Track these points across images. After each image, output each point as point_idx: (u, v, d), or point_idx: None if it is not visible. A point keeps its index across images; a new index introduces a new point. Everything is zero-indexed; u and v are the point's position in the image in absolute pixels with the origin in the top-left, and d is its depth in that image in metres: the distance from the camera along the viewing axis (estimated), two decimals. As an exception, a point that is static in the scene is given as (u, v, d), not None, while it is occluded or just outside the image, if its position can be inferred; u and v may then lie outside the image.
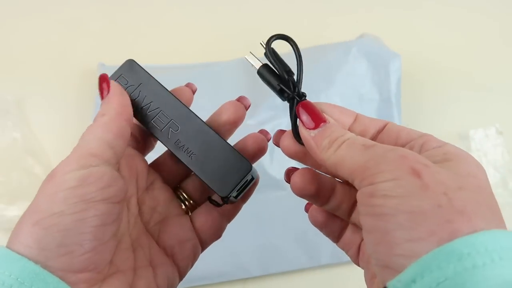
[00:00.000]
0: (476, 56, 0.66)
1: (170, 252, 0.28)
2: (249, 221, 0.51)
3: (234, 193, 0.27)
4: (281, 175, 0.53)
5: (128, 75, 0.28)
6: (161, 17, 0.70)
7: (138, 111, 0.28)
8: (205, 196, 0.30)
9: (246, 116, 0.55)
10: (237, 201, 0.29)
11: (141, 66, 0.28)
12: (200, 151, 0.27)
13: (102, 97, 0.26)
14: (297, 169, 0.26)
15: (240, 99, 0.30)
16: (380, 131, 0.25)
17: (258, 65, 0.27)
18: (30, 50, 0.64)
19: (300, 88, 0.26)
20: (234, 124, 0.29)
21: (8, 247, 0.22)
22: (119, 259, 0.25)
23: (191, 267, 0.29)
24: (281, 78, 0.26)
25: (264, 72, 0.27)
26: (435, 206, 0.18)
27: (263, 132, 0.30)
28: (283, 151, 0.26)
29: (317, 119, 0.24)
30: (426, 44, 0.68)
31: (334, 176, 0.26)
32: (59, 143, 0.57)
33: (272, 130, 0.56)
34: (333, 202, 0.26)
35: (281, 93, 0.26)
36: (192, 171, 0.28)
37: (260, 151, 0.29)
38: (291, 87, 0.26)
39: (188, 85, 0.30)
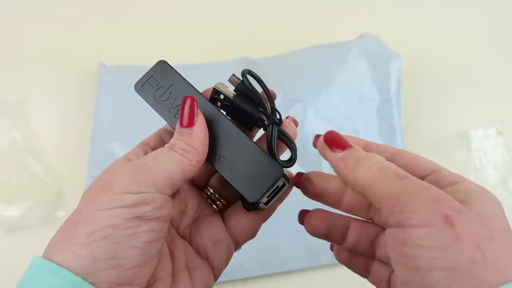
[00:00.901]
0: (476, 56, 0.66)
1: (204, 254, 0.28)
2: (249, 221, 0.51)
3: (264, 199, 0.27)
4: (281, 175, 0.53)
5: (159, 76, 0.28)
6: (161, 17, 0.70)
7: (168, 112, 0.27)
8: (235, 194, 0.29)
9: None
10: (267, 207, 0.28)
11: (172, 68, 0.28)
12: (230, 155, 0.26)
13: (181, 122, 0.25)
14: (309, 211, 0.28)
15: (290, 118, 0.29)
16: (390, 160, 0.25)
17: (230, 95, 0.27)
18: (30, 50, 0.64)
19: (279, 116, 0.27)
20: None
21: (47, 257, 0.21)
22: (158, 267, 0.25)
23: (226, 267, 0.29)
24: (260, 105, 0.27)
25: (240, 101, 0.27)
26: (470, 262, 0.19)
27: (290, 118, 0.29)
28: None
29: (343, 144, 0.25)
30: (426, 44, 0.68)
31: (361, 194, 0.26)
32: (59, 143, 0.57)
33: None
34: (351, 239, 0.28)
35: (257, 120, 0.27)
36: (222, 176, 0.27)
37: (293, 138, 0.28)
38: (270, 112, 0.27)
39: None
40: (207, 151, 0.26)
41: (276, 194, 0.28)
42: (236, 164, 0.26)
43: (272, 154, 0.26)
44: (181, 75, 0.28)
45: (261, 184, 0.25)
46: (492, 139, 0.55)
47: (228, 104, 0.27)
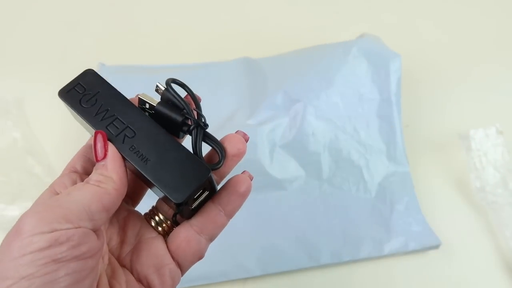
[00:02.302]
0: (477, 56, 0.66)
1: (146, 283, 0.26)
2: (249, 221, 0.51)
3: (190, 204, 0.26)
4: (281, 175, 0.53)
5: (86, 84, 0.27)
6: (161, 17, 0.70)
7: (92, 117, 0.26)
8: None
9: (246, 116, 0.56)
10: (193, 214, 0.27)
11: (100, 76, 0.28)
12: (156, 157, 0.25)
13: (96, 158, 0.25)
14: None
15: (240, 133, 0.28)
16: None
17: (154, 102, 0.27)
18: (30, 50, 0.64)
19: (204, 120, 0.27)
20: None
21: None
22: None
23: None
24: (184, 110, 0.26)
25: (164, 108, 0.27)
26: None
27: (240, 133, 0.28)
28: None
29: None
30: (426, 44, 0.68)
31: None
32: (59, 143, 0.57)
33: (272, 130, 0.56)
34: None
35: (181, 125, 0.27)
36: (149, 180, 0.26)
37: (239, 153, 0.27)
38: (194, 117, 0.27)
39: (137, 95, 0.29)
40: (125, 178, 0.25)
41: (203, 202, 0.27)
42: (162, 166, 0.25)
43: (197, 155, 0.26)
44: (108, 83, 0.27)
45: (187, 184, 0.24)
46: (492, 139, 0.54)
47: (153, 113, 0.27)
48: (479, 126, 0.55)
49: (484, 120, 0.57)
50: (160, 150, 0.25)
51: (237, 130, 0.28)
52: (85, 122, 0.27)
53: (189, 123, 0.26)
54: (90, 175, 0.24)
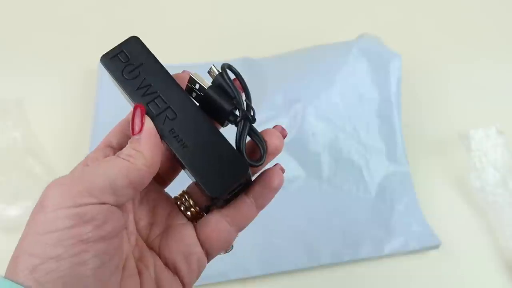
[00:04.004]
0: (477, 56, 0.66)
1: (174, 268, 0.26)
2: (249, 221, 0.51)
3: (226, 196, 0.25)
4: (281, 175, 0.53)
5: (130, 53, 0.26)
6: (161, 17, 0.70)
7: (133, 91, 0.25)
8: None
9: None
10: (225, 204, 0.26)
11: (145, 46, 0.26)
12: (195, 145, 0.24)
13: (132, 131, 0.24)
14: None
15: (278, 128, 0.28)
16: None
17: (205, 85, 0.26)
18: (30, 50, 0.64)
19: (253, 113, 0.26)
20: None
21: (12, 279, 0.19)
22: None
23: (196, 281, 0.27)
24: (235, 99, 0.26)
25: (214, 93, 0.26)
26: None
27: (278, 128, 0.27)
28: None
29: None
30: (426, 44, 0.68)
31: None
32: (59, 143, 0.57)
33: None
34: None
35: (229, 114, 0.26)
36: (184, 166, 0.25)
37: (276, 150, 0.27)
38: (245, 108, 0.26)
39: (184, 72, 0.28)
40: (157, 156, 0.24)
41: (238, 193, 0.26)
42: (200, 155, 0.24)
43: (239, 150, 0.25)
44: (153, 55, 0.26)
45: (224, 179, 0.24)
46: (492, 139, 0.54)
47: (202, 95, 0.26)
48: (479, 126, 0.55)
49: (484, 120, 0.57)
50: (200, 138, 0.24)
51: (275, 124, 0.27)
52: (125, 94, 0.26)
53: (238, 113, 0.26)
54: (123, 149, 0.24)
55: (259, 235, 0.50)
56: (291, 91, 0.56)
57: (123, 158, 0.23)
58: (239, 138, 0.25)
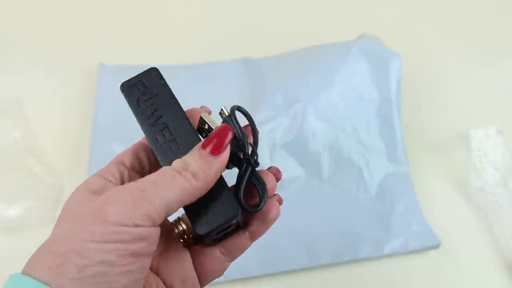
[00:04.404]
0: (477, 56, 0.66)
1: None
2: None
3: (213, 235, 0.25)
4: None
5: (147, 82, 0.27)
6: (161, 17, 0.70)
7: (144, 120, 0.26)
8: None
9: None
10: (213, 245, 0.27)
11: (162, 77, 0.27)
12: None
13: (211, 147, 0.24)
14: None
15: (273, 170, 0.28)
16: None
17: (214, 126, 0.26)
18: (30, 50, 0.64)
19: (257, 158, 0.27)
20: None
21: (37, 278, 0.20)
22: None
23: None
24: (240, 142, 0.26)
25: None
26: None
27: (273, 170, 0.27)
28: None
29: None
30: (426, 44, 0.68)
31: None
32: (59, 143, 0.57)
33: (272, 130, 0.56)
34: None
35: (233, 157, 0.26)
36: None
37: (269, 193, 0.26)
38: (249, 152, 0.26)
39: (203, 107, 0.28)
40: (213, 183, 0.24)
41: (228, 235, 0.26)
42: None
43: (236, 193, 0.25)
44: (169, 87, 0.27)
45: (213, 219, 0.24)
46: (492, 139, 0.54)
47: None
48: (479, 126, 0.55)
49: (484, 120, 0.57)
50: None
51: (270, 166, 0.28)
52: (137, 120, 0.27)
53: (241, 156, 0.26)
54: (188, 159, 0.24)
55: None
56: (290, 91, 0.56)
57: (184, 178, 0.23)
58: (239, 182, 0.26)
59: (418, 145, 0.58)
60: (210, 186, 0.24)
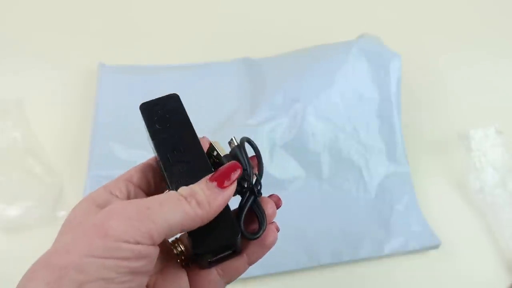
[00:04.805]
0: (476, 56, 0.66)
1: None
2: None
3: (209, 257, 0.26)
4: (281, 175, 0.53)
5: (166, 106, 0.29)
6: (161, 17, 0.70)
7: (160, 141, 0.27)
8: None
9: (246, 116, 0.56)
10: (209, 267, 0.27)
11: (182, 104, 0.29)
12: None
13: (219, 180, 0.24)
14: None
15: (274, 198, 0.28)
16: None
17: (222, 153, 0.28)
18: (30, 50, 0.64)
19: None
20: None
21: None
22: None
23: None
24: (244, 172, 0.27)
25: (227, 161, 0.27)
26: None
27: (274, 198, 0.28)
28: None
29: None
30: (426, 44, 0.68)
31: None
32: (59, 143, 0.57)
33: (272, 130, 0.56)
34: None
35: (238, 184, 0.27)
36: None
37: (268, 220, 0.27)
38: (252, 181, 0.27)
39: (204, 138, 0.29)
40: (215, 216, 0.25)
41: (224, 259, 0.27)
42: None
43: (238, 219, 0.26)
44: (186, 113, 0.29)
45: (211, 241, 0.25)
46: (491, 139, 0.54)
47: (218, 162, 0.28)
48: (479, 126, 0.55)
49: (484, 120, 0.57)
50: None
51: (271, 194, 0.28)
52: (151, 141, 0.28)
53: (245, 185, 0.27)
54: (196, 188, 0.24)
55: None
56: (291, 91, 0.56)
57: (189, 204, 0.23)
58: (241, 209, 0.27)
59: (418, 145, 0.58)
60: (212, 217, 0.24)
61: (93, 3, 0.70)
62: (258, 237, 0.27)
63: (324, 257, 0.50)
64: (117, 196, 0.26)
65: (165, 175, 0.27)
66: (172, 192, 0.24)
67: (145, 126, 0.28)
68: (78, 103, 0.60)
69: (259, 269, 0.49)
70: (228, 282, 0.28)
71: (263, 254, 0.28)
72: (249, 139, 0.28)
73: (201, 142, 0.28)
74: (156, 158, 0.28)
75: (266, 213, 0.27)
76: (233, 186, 0.25)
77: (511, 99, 0.63)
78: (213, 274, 0.27)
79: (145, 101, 0.29)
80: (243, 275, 0.51)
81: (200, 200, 0.24)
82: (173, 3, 0.71)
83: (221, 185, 0.24)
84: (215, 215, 0.24)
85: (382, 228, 0.51)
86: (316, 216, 0.52)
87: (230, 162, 0.26)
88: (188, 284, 0.27)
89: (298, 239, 0.50)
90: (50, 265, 0.20)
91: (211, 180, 0.25)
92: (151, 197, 0.23)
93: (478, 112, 0.61)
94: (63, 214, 0.52)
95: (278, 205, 0.28)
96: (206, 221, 0.24)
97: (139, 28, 0.68)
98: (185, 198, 0.23)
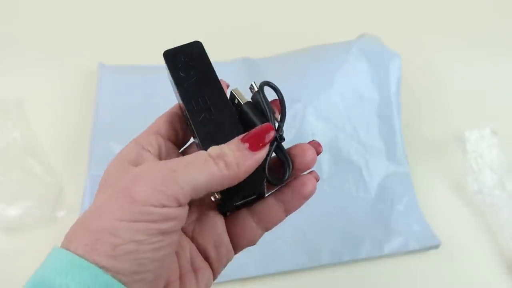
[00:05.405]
0: (476, 56, 0.66)
1: (205, 255, 0.27)
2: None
3: (236, 201, 0.27)
4: (281, 175, 0.53)
5: (190, 54, 0.28)
6: (161, 17, 0.70)
7: (182, 87, 0.27)
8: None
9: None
10: (234, 210, 0.28)
11: (205, 51, 0.29)
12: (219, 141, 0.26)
13: (250, 142, 0.24)
14: None
15: (314, 144, 0.28)
16: None
17: (242, 100, 0.28)
18: (30, 50, 0.64)
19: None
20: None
21: (75, 252, 0.21)
22: (169, 271, 0.25)
23: (223, 269, 0.28)
24: (267, 119, 0.27)
25: (249, 108, 0.27)
26: None
27: (314, 144, 0.27)
28: None
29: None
30: (426, 44, 0.68)
31: None
32: (59, 143, 0.57)
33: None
34: None
35: None
36: None
37: (307, 167, 0.27)
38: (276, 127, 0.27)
39: (222, 81, 0.29)
40: (245, 177, 0.24)
41: (249, 203, 0.27)
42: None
43: (262, 166, 0.26)
44: (210, 62, 0.29)
45: (238, 189, 0.25)
46: (487, 140, 0.54)
47: (239, 109, 0.28)
48: (480, 126, 0.55)
49: (484, 120, 0.57)
50: (226, 137, 0.26)
51: (311, 140, 0.28)
52: (176, 92, 0.28)
53: None
54: (226, 149, 0.24)
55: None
56: (290, 91, 0.56)
57: (217, 165, 0.23)
58: (267, 159, 0.26)
59: (418, 145, 0.58)
60: (240, 179, 0.24)
61: (93, 3, 0.70)
62: (283, 183, 0.27)
63: (324, 257, 0.50)
64: (148, 151, 0.26)
65: (191, 123, 0.26)
66: (201, 152, 0.24)
67: (169, 74, 0.28)
68: (78, 103, 0.60)
69: (259, 269, 0.49)
70: (265, 230, 0.28)
71: (300, 204, 0.28)
72: (270, 82, 0.28)
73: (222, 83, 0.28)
74: (180, 105, 0.28)
75: (304, 161, 0.26)
76: (265, 149, 0.24)
77: (505, 99, 0.63)
78: (249, 222, 0.27)
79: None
80: (243, 275, 0.51)
81: (229, 162, 0.23)
82: (173, 3, 0.71)
83: (252, 148, 0.24)
84: (245, 177, 0.24)
85: (382, 228, 0.51)
86: (316, 216, 0.52)
87: (263, 124, 0.25)
88: (226, 231, 0.27)
89: (298, 239, 0.50)
90: (87, 228, 0.21)
91: (243, 141, 0.24)
92: (178, 159, 0.23)
93: (478, 112, 0.61)
94: (63, 214, 0.52)
95: (318, 151, 0.27)
96: (234, 183, 0.24)
97: (139, 28, 0.68)
98: (213, 159, 0.23)
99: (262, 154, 0.24)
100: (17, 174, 0.53)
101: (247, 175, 0.24)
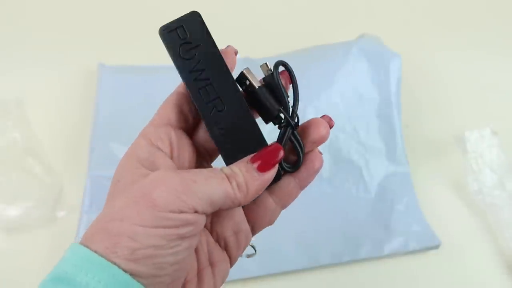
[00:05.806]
0: (476, 56, 0.66)
1: (224, 244, 0.28)
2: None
3: None
4: (281, 175, 0.53)
5: (189, 30, 0.26)
6: (161, 17, 0.70)
7: (186, 73, 0.25)
8: None
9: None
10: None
11: (205, 25, 0.26)
12: (234, 141, 0.25)
13: (261, 165, 0.24)
14: None
15: (326, 118, 0.28)
16: None
17: (256, 84, 0.26)
18: (30, 50, 0.64)
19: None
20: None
21: (95, 251, 0.21)
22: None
23: (240, 255, 0.29)
24: (282, 104, 0.26)
25: (263, 92, 0.26)
26: None
27: (326, 118, 0.27)
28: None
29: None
30: (426, 44, 0.68)
31: None
32: (59, 143, 0.57)
33: (272, 130, 0.56)
34: None
35: (274, 118, 0.26)
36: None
37: (321, 140, 0.27)
38: (290, 114, 0.26)
39: (229, 47, 0.28)
40: (253, 199, 0.25)
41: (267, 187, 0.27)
42: (237, 151, 0.25)
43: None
44: (212, 37, 0.26)
45: None
46: (487, 140, 0.54)
47: (251, 92, 0.26)
48: (481, 127, 0.55)
49: (485, 120, 0.57)
50: (241, 136, 0.25)
51: (323, 115, 0.28)
52: (178, 72, 0.26)
53: (282, 117, 0.26)
54: (235, 169, 0.24)
55: (259, 235, 0.50)
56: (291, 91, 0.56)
57: (231, 185, 0.24)
58: (279, 142, 0.26)
59: (418, 145, 0.58)
60: (249, 200, 0.24)
61: (93, 3, 0.70)
62: (295, 170, 0.27)
63: (324, 258, 0.50)
64: (160, 150, 0.25)
65: (201, 115, 0.25)
66: (217, 169, 0.24)
67: (169, 55, 0.26)
68: (78, 103, 0.60)
69: (259, 270, 0.49)
70: (283, 208, 0.28)
71: (313, 178, 0.28)
72: (284, 62, 0.26)
73: (225, 53, 0.26)
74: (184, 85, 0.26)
75: (318, 134, 0.26)
76: (273, 171, 0.25)
77: (505, 99, 0.63)
78: (268, 202, 0.28)
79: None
80: (243, 275, 0.51)
81: (240, 182, 0.24)
82: (173, 3, 0.71)
83: (260, 169, 0.24)
84: (252, 199, 0.24)
85: (382, 228, 0.51)
86: (316, 216, 0.52)
87: (271, 145, 0.25)
88: (244, 217, 0.28)
89: (298, 240, 0.50)
90: (107, 231, 0.22)
91: (251, 161, 0.24)
92: (197, 170, 0.24)
93: (478, 112, 0.61)
94: (63, 214, 0.52)
95: (331, 125, 0.27)
96: (242, 204, 0.24)
97: (139, 28, 0.68)
98: (228, 177, 0.24)
99: (270, 175, 0.25)
100: (17, 174, 0.53)
101: (254, 198, 0.24)
